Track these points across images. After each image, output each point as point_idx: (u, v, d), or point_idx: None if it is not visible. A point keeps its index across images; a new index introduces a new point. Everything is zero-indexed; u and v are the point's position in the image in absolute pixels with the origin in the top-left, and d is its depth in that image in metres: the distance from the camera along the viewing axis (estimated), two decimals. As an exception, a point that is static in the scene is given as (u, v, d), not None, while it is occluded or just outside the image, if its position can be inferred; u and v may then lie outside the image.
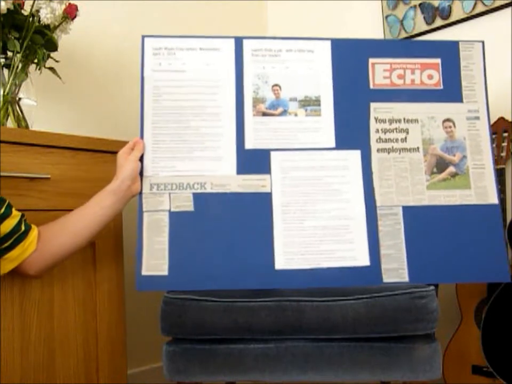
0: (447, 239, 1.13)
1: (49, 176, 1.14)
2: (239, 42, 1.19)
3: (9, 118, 1.25)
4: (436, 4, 1.83)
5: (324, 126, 1.17)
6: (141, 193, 1.11)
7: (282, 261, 1.09)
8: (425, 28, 1.86)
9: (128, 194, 1.08)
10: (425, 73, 1.21)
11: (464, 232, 1.14)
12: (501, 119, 1.60)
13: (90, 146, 1.22)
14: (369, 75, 1.20)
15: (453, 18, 1.78)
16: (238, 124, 1.15)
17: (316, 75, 1.19)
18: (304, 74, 1.19)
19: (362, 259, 1.11)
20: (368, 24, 2.00)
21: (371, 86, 1.20)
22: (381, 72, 1.20)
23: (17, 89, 1.28)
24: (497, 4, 1.68)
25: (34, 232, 1.02)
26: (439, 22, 1.81)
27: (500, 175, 1.55)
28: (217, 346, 1.11)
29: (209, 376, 1.12)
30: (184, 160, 1.13)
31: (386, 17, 1.96)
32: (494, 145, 1.59)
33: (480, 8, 1.72)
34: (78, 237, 1.05)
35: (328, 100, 1.18)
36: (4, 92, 1.23)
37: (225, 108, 1.16)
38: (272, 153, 1.15)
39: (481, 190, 1.16)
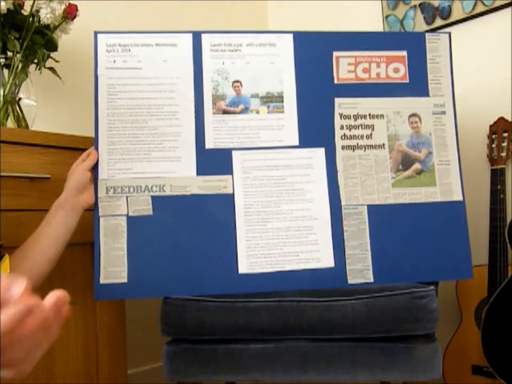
0: (412, 238, 1.11)
1: (49, 176, 1.14)
2: (197, 37, 1.14)
3: (9, 118, 1.26)
4: (435, 4, 1.83)
5: (286, 123, 1.13)
6: (96, 197, 1.06)
7: (245, 265, 1.06)
8: (425, 28, 1.85)
9: (78, 206, 1.02)
10: (391, 66, 1.17)
11: (429, 230, 1.12)
12: (501, 119, 1.60)
13: (90, 146, 1.21)
14: (334, 69, 1.16)
15: (453, 18, 1.78)
16: (197, 123, 1.11)
17: (278, 70, 1.15)
18: (265, 69, 1.14)
19: (327, 260, 1.08)
20: (368, 24, 2.00)
21: (335, 81, 1.15)
22: (345, 66, 1.16)
23: (17, 89, 1.28)
24: (497, 3, 1.67)
25: (6, 261, 0.92)
26: (439, 22, 1.81)
27: (500, 175, 1.55)
28: (217, 347, 1.11)
29: (209, 376, 1.12)
30: (141, 161, 1.08)
31: (386, 17, 1.96)
32: (494, 145, 1.59)
33: (480, 8, 1.72)
34: (38, 264, 0.97)
35: (291, 96, 1.14)
36: (4, 92, 1.23)
37: (184, 106, 1.11)
38: (234, 153, 1.10)
39: (446, 187, 1.14)
